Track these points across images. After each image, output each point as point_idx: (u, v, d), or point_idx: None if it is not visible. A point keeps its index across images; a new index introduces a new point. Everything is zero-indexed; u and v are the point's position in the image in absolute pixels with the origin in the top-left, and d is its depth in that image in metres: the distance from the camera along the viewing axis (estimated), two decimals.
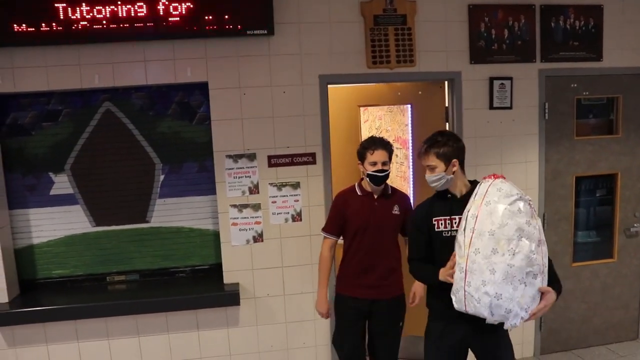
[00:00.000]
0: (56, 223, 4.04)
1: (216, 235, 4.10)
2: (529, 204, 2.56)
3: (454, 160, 2.81)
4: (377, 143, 3.38)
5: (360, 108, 4.25)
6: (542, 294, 2.55)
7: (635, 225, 4.78)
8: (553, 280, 2.63)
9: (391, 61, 4.03)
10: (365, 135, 4.56)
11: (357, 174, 4.21)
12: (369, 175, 3.36)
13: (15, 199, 3.98)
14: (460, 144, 2.89)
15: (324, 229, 3.56)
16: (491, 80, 4.25)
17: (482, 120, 4.28)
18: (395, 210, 3.46)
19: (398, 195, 3.55)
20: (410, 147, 4.40)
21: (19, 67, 3.70)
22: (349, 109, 4.13)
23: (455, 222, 2.79)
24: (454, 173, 2.82)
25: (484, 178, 2.68)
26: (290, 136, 3.96)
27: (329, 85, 4.01)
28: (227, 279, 4.04)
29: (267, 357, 4.15)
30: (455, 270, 2.61)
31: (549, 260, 2.63)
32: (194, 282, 4.11)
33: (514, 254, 2.45)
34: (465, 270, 2.52)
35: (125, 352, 3.98)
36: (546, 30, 4.33)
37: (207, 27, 3.66)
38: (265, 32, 3.74)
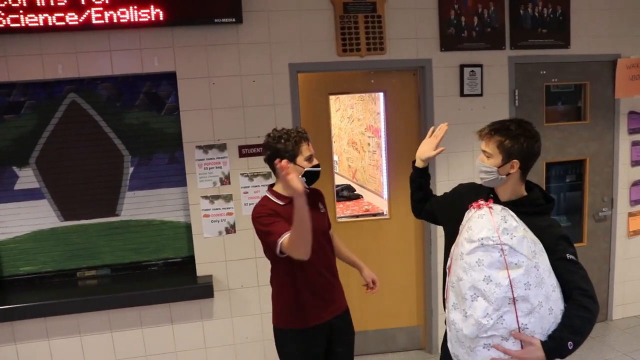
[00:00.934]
0: (22, 218, 3.93)
1: (188, 227, 4.04)
2: (501, 250, 2.02)
3: (515, 160, 2.28)
4: (304, 134, 2.79)
5: (332, 97, 4.21)
6: (523, 342, 2.01)
7: (603, 209, 4.86)
8: (566, 329, 2.03)
9: (361, 49, 4.01)
10: (336, 124, 4.54)
11: (327, 163, 4.20)
12: (307, 174, 2.75)
13: None
14: (533, 146, 2.33)
15: (274, 236, 2.62)
16: (461, 67, 4.25)
17: (453, 108, 4.29)
18: (322, 208, 2.96)
19: (313, 192, 2.95)
20: (383, 136, 4.39)
21: None
22: (320, 97, 4.09)
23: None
24: (508, 175, 2.31)
25: (470, 206, 2.23)
26: (260, 126, 3.91)
27: (299, 74, 3.98)
28: (200, 271, 3.99)
29: (243, 348, 4.12)
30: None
31: (575, 305, 2.06)
32: (167, 276, 4.05)
33: (465, 317, 2.05)
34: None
35: (98, 349, 3.91)
36: (515, 17, 4.35)
37: (174, 16, 3.58)
38: (234, 20, 3.68)
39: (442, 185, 4.31)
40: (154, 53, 3.74)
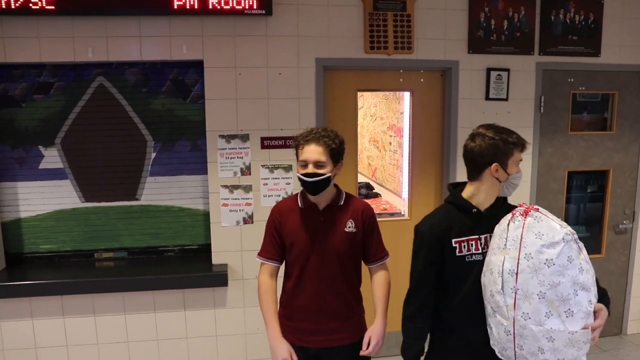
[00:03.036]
0: (45, 197, 4.00)
1: (206, 215, 4.08)
2: (575, 240, 2.09)
3: (495, 164, 2.32)
4: (310, 135, 2.52)
5: (357, 94, 4.21)
6: (596, 312, 2.08)
7: (624, 222, 4.81)
8: (600, 294, 2.18)
9: (389, 47, 4.00)
10: (360, 121, 4.53)
11: (352, 160, 4.21)
12: (300, 180, 2.54)
13: (4, 171, 3.93)
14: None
15: (259, 253, 2.70)
16: (488, 70, 4.22)
17: (477, 111, 4.26)
18: (350, 227, 2.60)
19: (354, 206, 2.65)
20: (407, 135, 4.37)
21: (9, 37, 3.64)
22: (347, 94, 4.09)
23: (481, 243, 2.32)
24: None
25: (513, 213, 2.20)
26: (284, 118, 3.93)
27: (326, 69, 3.98)
28: (216, 259, 4.02)
29: (253, 339, 4.14)
30: (492, 324, 2.20)
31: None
32: (183, 262, 4.09)
33: (572, 315, 2.04)
34: (514, 333, 2.11)
35: (111, 329, 3.97)
36: (546, 22, 4.31)
37: (204, 4, 3.60)
38: (264, 12, 3.68)
39: None
40: (183, 41, 3.76)
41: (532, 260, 2.05)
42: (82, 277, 3.85)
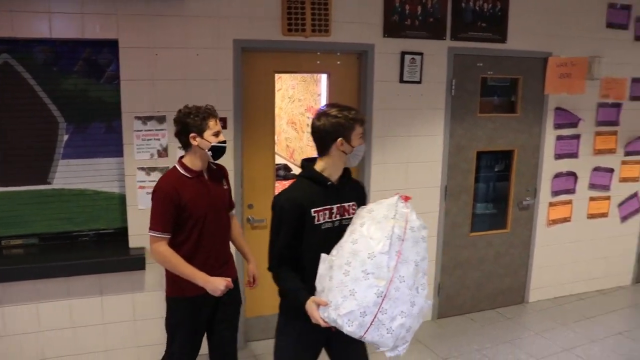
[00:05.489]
0: None
1: (122, 198, 3.99)
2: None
3: None
4: (212, 110, 2.99)
5: (275, 76, 4.23)
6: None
7: (527, 199, 5.13)
8: None
9: (306, 30, 4.04)
10: (277, 104, 4.55)
11: (269, 141, 4.24)
12: (214, 148, 2.93)
13: None
14: None
15: (156, 228, 2.92)
16: (402, 54, 4.36)
17: (392, 93, 4.39)
18: (225, 185, 3.17)
19: (219, 168, 3.18)
20: None
21: None
22: (264, 75, 4.09)
23: (333, 213, 2.57)
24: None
25: (397, 194, 2.47)
26: (202, 100, 3.80)
27: (244, 50, 3.96)
28: (133, 243, 3.96)
29: None
30: (356, 290, 2.29)
31: None
32: (99, 246, 3.99)
33: (424, 289, 2.40)
34: (385, 295, 2.26)
35: (22, 319, 3.81)
36: (457, 9, 4.48)
37: None
38: None
39: (377, 167, 4.44)
40: (96, 19, 3.62)
41: (414, 233, 2.36)
42: None
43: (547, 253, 5.38)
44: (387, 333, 2.30)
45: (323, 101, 4.43)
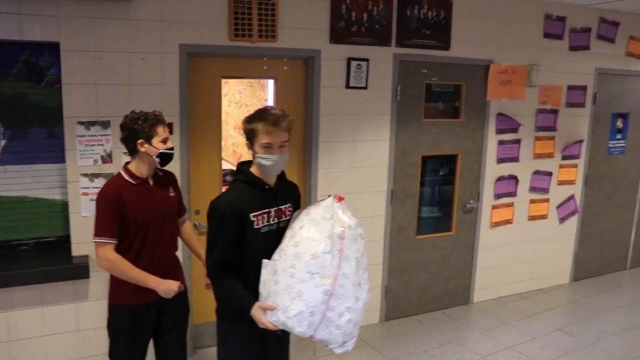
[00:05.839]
0: None
1: (65, 205, 3.88)
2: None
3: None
4: (161, 116, 2.94)
5: (222, 81, 4.20)
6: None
7: (470, 202, 5.27)
8: None
9: (253, 35, 4.04)
10: (224, 109, 4.53)
11: (216, 147, 4.21)
12: (162, 155, 2.90)
13: None
14: None
15: (102, 234, 2.84)
16: (349, 60, 4.41)
17: (338, 99, 4.44)
18: (171, 192, 3.11)
19: (166, 174, 3.13)
20: None
21: None
22: (210, 81, 4.07)
23: (272, 216, 2.57)
24: None
25: (330, 195, 2.48)
26: (147, 105, 3.75)
27: (191, 55, 3.93)
28: (76, 251, 3.86)
29: None
30: (303, 290, 2.32)
31: None
32: (39, 255, 3.87)
33: (366, 284, 2.48)
34: (331, 293, 2.33)
35: None
36: (402, 17, 4.57)
37: None
38: None
39: (324, 172, 4.47)
40: (36, 20, 3.52)
41: (352, 231, 2.41)
42: None
43: (491, 254, 5.53)
44: (337, 329, 2.36)
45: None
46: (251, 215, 2.50)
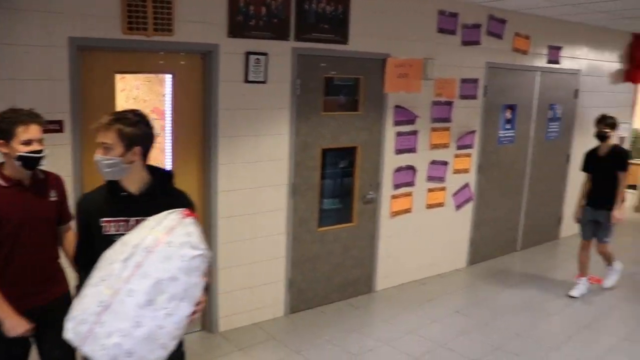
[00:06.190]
0: None
1: None
2: (207, 260, 2.26)
3: (137, 147, 2.38)
4: (30, 115, 2.70)
5: (118, 76, 4.07)
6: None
7: (370, 192, 5.42)
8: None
9: (148, 28, 3.94)
10: (122, 105, 4.40)
11: None
12: (22, 158, 2.66)
13: None
14: (150, 130, 2.46)
15: None
16: (247, 54, 4.40)
17: (238, 93, 4.43)
18: (53, 196, 2.92)
19: (52, 178, 2.96)
20: (170, 119, 4.36)
21: None
22: (104, 76, 3.93)
23: (131, 226, 2.38)
24: (131, 163, 2.40)
25: (180, 210, 2.29)
26: (34, 101, 3.58)
27: (81, 50, 3.78)
28: None
29: None
30: (88, 294, 2.13)
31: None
32: None
33: (169, 315, 2.09)
34: (108, 306, 2.05)
35: None
36: (300, 11, 4.61)
37: None
38: None
39: (224, 167, 4.45)
40: None
41: (171, 249, 2.10)
42: None
43: (391, 243, 5.73)
44: (102, 350, 2.05)
45: (168, 102, 4.35)
46: (101, 219, 2.40)
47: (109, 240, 2.31)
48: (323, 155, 5.06)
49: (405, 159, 5.66)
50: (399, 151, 5.58)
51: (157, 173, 2.55)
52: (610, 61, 7.92)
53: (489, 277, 6.28)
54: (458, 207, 6.31)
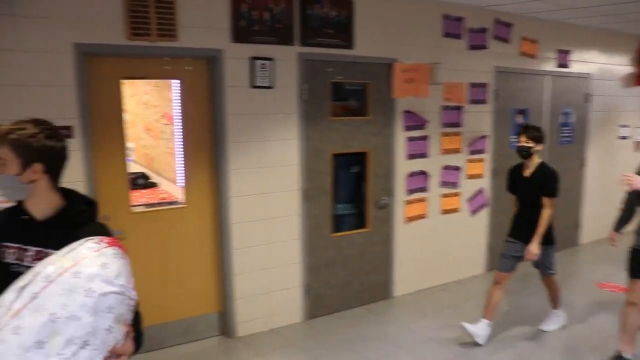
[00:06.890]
0: None
1: None
2: (128, 305, 1.65)
3: (37, 165, 1.92)
4: None
5: (127, 81, 4.09)
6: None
7: (383, 198, 5.35)
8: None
9: (152, 34, 3.97)
10: (132, 110, 4.41)
11: (120, 149, 4.08)
12: None
13: None
14: (57, 144, 1.97)
15: None
16: (252, 59, 4.41)
17: (244, 99, 4.42)
18: None
19: None
20: (179, 124, 4.35)
21: None
22: (110, 82, 3.95)
23: (28, 256, 1.94)
24: (32, 182, 1.94)
25: (101, 239, 1.68)
26: (41, 107, 3.66)
27: (88, 55, 3.81)
28: None
29: None
30: None
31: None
32: None
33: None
34: None
35: None
36: (304, 16, 4.63)
37: None
38: None
39: (235, 173, 4.43)
40: None
41: (77, 280, 1.59)
42: None
43: (408, 249, 5.63)
44: None
45: (176, 107, 4.35)
46: (3, 243, 1.97)
47: (8, 270, 1.92)
48: (334, 160, 5.02)
49: (417, 164, 5.59)
50: (411, 156, 5.52)
51: (73, 198, 2.06)
52: (621, 65, 7.85)
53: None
54: (473, 212, 6.21)
